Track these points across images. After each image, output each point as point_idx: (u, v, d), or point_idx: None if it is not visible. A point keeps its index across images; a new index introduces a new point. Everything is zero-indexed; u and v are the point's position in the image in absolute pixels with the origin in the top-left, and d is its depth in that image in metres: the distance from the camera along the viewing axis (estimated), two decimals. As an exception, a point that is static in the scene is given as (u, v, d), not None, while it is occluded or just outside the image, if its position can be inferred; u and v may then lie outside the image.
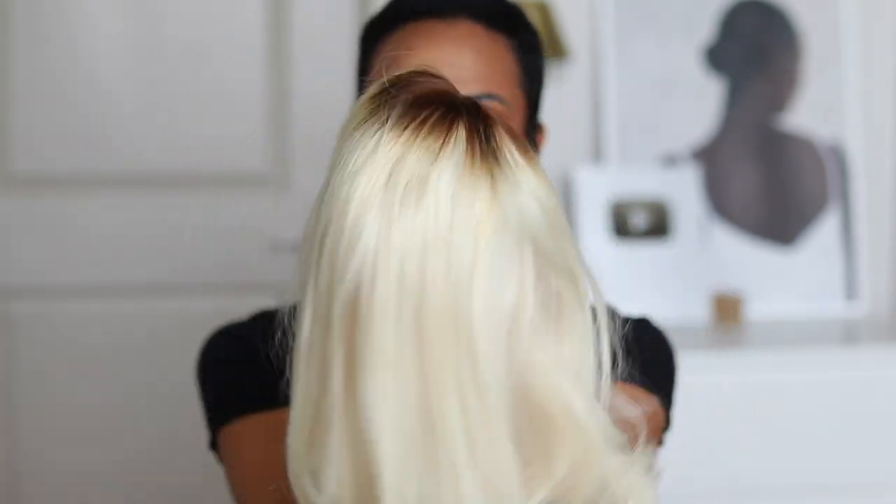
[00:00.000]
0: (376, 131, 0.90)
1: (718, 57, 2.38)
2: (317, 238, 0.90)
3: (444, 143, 0.89)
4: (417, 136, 0.89)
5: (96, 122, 2.36)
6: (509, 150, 0.91)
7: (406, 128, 0.89)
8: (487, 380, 0.87)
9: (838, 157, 2.39)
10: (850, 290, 2.37)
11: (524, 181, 0.90)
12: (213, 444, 1.32)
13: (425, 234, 0.86)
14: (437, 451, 0.86)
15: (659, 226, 2.29)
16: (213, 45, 2.38)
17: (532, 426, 0.90)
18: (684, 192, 2.30)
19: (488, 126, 0.91)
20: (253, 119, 2.39)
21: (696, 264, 2.29)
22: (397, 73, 0.95)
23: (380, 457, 0.86)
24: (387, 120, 0.90)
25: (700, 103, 2.37)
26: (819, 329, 2.28)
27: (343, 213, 0.88)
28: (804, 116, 2.39)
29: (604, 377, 0.93)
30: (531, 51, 1.31)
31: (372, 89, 0.95)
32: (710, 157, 2.37)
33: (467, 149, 0.89)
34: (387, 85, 0.93)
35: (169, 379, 2.35)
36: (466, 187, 0.88)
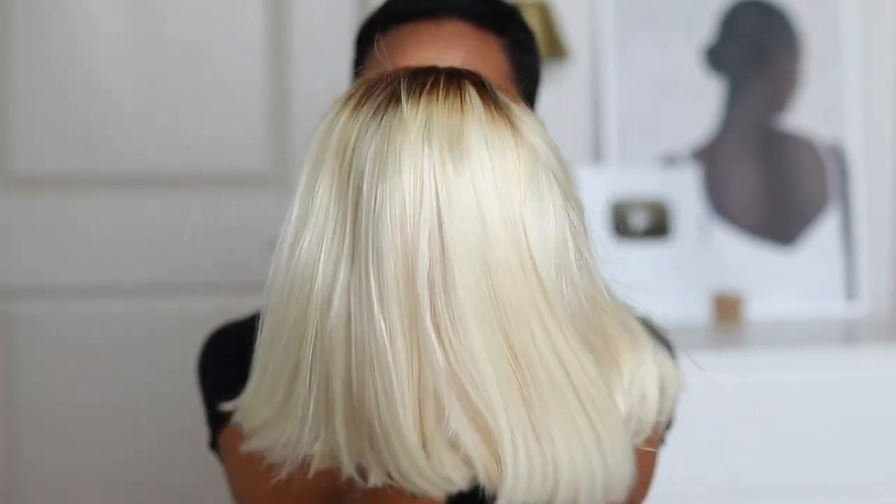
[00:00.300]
0: (396, 110, 0.93)
1: (718, 57, 2.38)
2: (364, 228, 0.91)
3: (462, 100, 0.93)
4: (437, 99, 0.93)
5: (96, 122, 2.36)
6: (516, 110, 0.96)
7: (421, 94, 0.93)
8: (559, 307, 0.92)
9: (838, 157, 2.39)
10: (850, 290, 2.37)
11: (530, 126, 0.96)
12: (214, 445, 1.32)
13: (476, 187, 0.90)
14: (539, 386, 0.90)
15: (659, 226, 2.29)
16: (213, 45, 2.38)
17: (597, 340, 0.95)
18: (684, 192, 2.30)
19: (491, 89, 0.97)
20: (253, 119, 2.39)
21: (696, 264, 2.30)
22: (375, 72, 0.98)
23: (493, 407, 0.89)
24: (398, 97, 0.93)
25: (700, 103, 2.37)
26: (819, 329, 2.28)
27: (395, 189, 0.90)
28: (804, 116, 2.39)
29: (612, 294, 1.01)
30: (524, 50, 1.31)
31: (356, 85, 0.98)
32: (710, 157, 2.37)
33: (485, 108, 0.94)
34: (372, 81, 0.97)
35: (169, 379, 2.35)
36: (495, 136, 0.92)
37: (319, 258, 0.93)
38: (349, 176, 0.93)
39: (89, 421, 2.37)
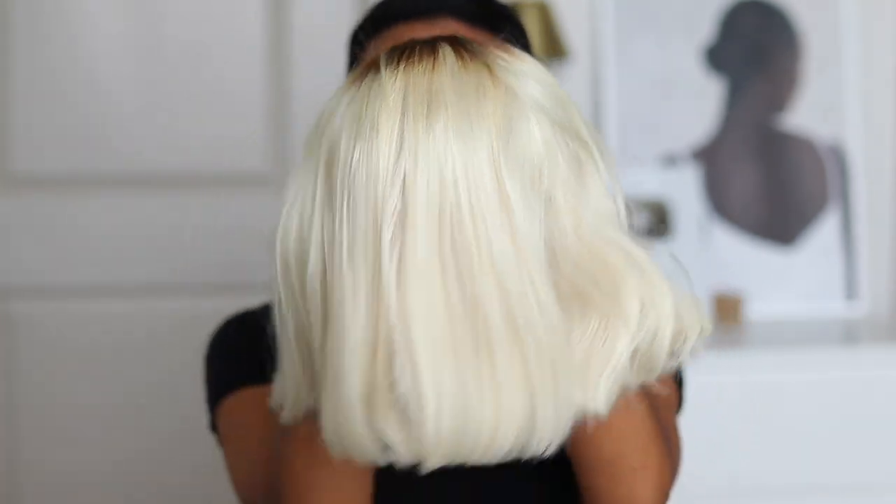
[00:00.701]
0: (375, 78, 0.94)
1: (718, 57, 2.39)
2: (340, 184, 0.93)
3: (435, 59, 0.94)
4: (413, 63, 0.94)
5: (96, 122, 2.36)
6: (495, 54, 0.97)
7: (399, 62, 0.94)
8: (529, 250, 0.91)
9: (838, 157, 2.39)
10: (850, 290, 2.37)
11: (520, 70, 0.96)
12: (214, 427, 1.33)
13: (441, 136, 0.91)
14: (489, 338, 0.90)
15: (659, 226, 2.29)
16: (213, 45, 2.38)
17: (593, 280, 0.94)
18: (684, 192, 2.31)
19: (468, 42, 0.97)
20: (253, 119, 2.39)
21: (696, 264, 2.30)
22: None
23: (426, 364, 0.89)
24: (378, 67, 0.95)
25: (700, 103, 2.37)
26: (819, 329, 2.28)
27: (372, 149, 0.91)
28: (804, 116, 2.39)
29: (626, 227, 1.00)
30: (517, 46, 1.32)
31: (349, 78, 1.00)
32: (710, 157, 2.37)
33: (457, 58, 0.94)
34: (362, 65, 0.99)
35: (169, 379, 2.35)
36: (467, 81, 0.93)
37: (294, 217, 0.97)
38: (323, 136, 0.96)
39: (89, 421, 2.37)
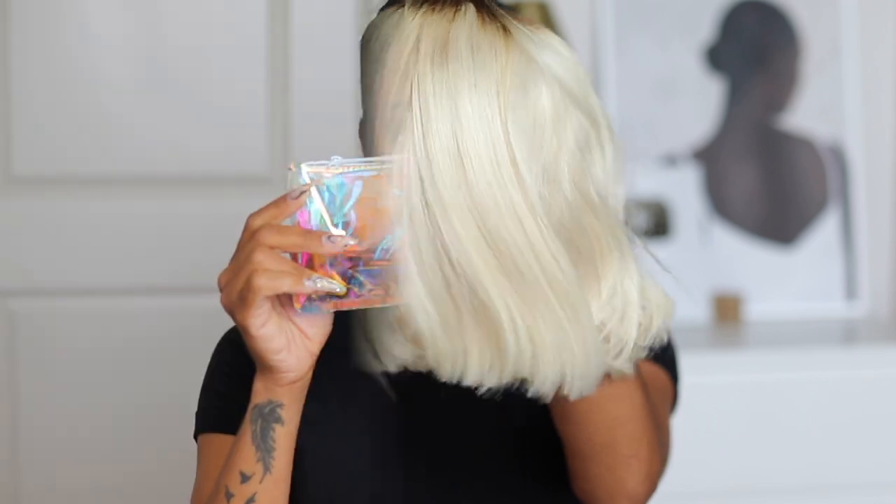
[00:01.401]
0: (396, 13, 0.98)
1: (718, 57, 2.39)
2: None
3: (456, 12, 0.97)
4: (433, 11, 0.97)
5: (96, 122, 2.36)
6: (517, 22, 0.99)
7: (420, 6, 0.98)
8: (538, 205, 0.95)
9: (838, 157, 2.39)
10: (850, 290, 2.37)
11: (541, 41, 0.98)
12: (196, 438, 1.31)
13: (453, 86, 0.94)
14: (516, 271, 0.93)
15: (659, 226, 2.29)
16: (214, 47, 2.38)
17: (577, 249, 0.97)
18: (684, 192, 2.31)
19: (492, 5, 1.00)
20: (253, 120, 2.39)
21: (696, 264, 2.30)
22: None
23: (484, 284, 0.93)
24: (403, 4, 0.99)
25: (700, 103, 2.37)
26: (819, 329, 2.28)
27: (385, 73, 0.95)
28: (804, 116, 2.39)
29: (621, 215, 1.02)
30: None
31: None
32: (710, 157, 2.37)
33: (478, 16, 0.97)
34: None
35: (168, 379, 2.35)
36: (483, 37, 0.96)
37: None
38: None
39: (90, 421, 2.37)
